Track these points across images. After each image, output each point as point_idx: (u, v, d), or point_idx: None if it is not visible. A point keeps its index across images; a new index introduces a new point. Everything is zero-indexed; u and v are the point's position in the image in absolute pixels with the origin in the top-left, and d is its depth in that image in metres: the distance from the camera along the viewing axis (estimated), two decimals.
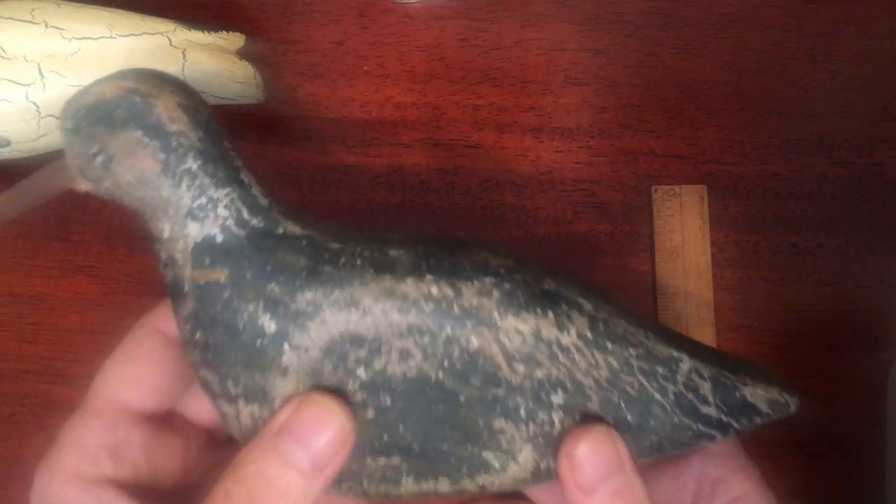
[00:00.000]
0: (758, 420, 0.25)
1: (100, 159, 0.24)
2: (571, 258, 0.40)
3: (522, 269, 0.24)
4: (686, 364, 0.24)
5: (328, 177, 0.41)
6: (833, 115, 0.41)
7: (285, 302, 0.23)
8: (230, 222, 0.24)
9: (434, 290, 0.23)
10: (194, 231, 0.24)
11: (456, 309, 0.23)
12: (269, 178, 0.41)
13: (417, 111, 0.42)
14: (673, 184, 0.40)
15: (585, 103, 0.42)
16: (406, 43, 0.43)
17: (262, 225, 0.24)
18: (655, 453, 0.25)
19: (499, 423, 0.24)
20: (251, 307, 0.23)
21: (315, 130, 0.42)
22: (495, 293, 0.23)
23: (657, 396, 0.24)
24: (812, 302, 0.39)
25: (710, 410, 0.25)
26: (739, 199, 0.40)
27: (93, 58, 0.37)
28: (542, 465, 0.24)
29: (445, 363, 0.23)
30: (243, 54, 0.39)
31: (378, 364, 0.23)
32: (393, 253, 0.24)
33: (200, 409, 0.28)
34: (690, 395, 0.24)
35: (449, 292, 0.23)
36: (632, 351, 0.24)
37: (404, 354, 0.23)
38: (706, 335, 0.39)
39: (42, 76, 0.36)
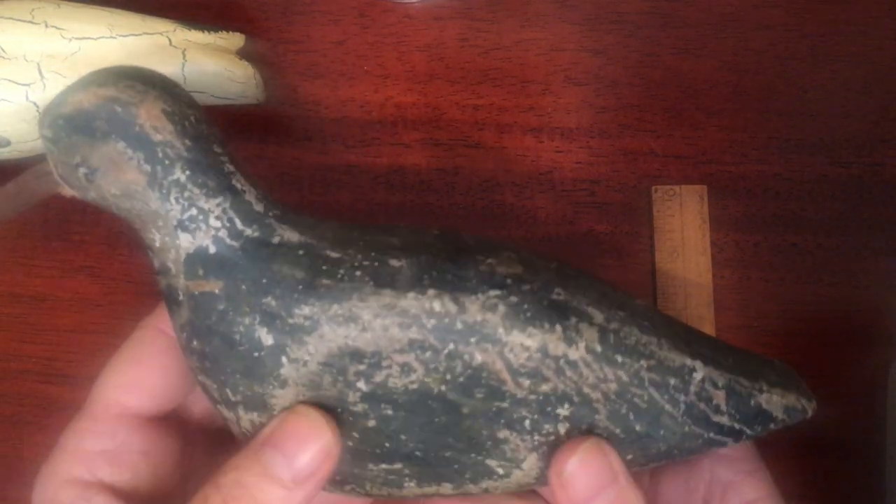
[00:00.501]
0: (772, 426, 0.25)
1: (82, 171, 0.22)
2: (571, 258, 0.40)
3: (531, 277, 0.23)
4: (699, 373, 0.24)
5: (328, 177, 0.41)
6: (833, 115, 0.41)
7: (282, 316, 0.22)
8: (223, 233, 0.23)
9: (437, 305, 0.22)
10: (186, 242, 0.23)
11: (459, 325, 0.22)
12: (269, 178, 0.41)
13: (417, 111, 0.42)
14: (673, 184, 0.40)
15: (585, 103, 0.42)
16: (406, 43, 0.43)
17: (256, 234, 0.23)
18: (664, 459, 0.25)
19: (503, 433, 0.24)
20: (247, 320, 0.23)
21: (315, 130, 0.42)
22: (501, 307, 0.23)
23: (667, 407, 0.24)
24: (812, 302, 0.39)
25: (723, 419, 0.24)
26: (739, 199, 0.40)
27: (93, 58, 0.37)
28: (547, 471, 0.24)
29: (448, 377, 0.23)
30: (243, 54, 0.39)
31: (378, 377, 0.23)
32: (394, 263, 0.23)
33: (200, 408, 0.28)
34: (703, 405, 0.24)
35: (452, 308, 0.22)
36: (643, 363, 0.23)
37: (405, 369, 0.23)
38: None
39: (42, 76, 0.36)
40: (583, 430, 0.23)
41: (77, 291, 0.40)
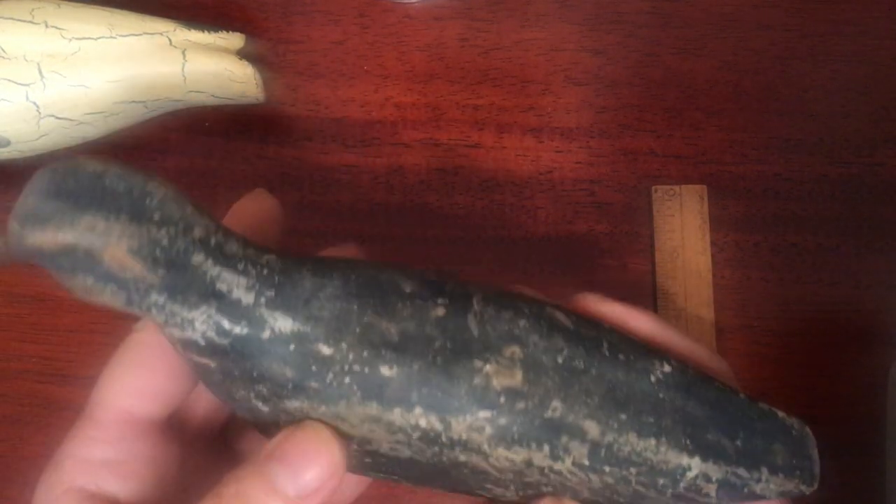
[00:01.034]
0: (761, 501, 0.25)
1: (59, 281, 0.22)
2: (571, 258, 0.40)
3: (529, 391, 0.23)
4: (694, 471, 0.24)
5: (328, 177, 0.41)
6: (833, 115, 0.41)
7: (275, 401, 0.23)
8: (210, 333, 0.22)
9: (422, 422, 0.22)
10: (176, 333, 0.23)
11: (444, 439, 0.23)
12: (269, 177, 0.41)
13: (417, 111, 0.42)
14: (673, 184, 0.40)
15: (585, 103, 0.42)
16: (406, 43, 0.43)
17: (245, 332, 0.22)
18: None
19: (489, 486, 0.24)
20: (243, 393, 0.23)
21: (315, 130, 0.42)
22: (487, 429, 0.22)
23: (652, 494, 0.24)
24: (812, 302, 0.39)
25: (711, 502, 0.24)
26: (739, 199, 0.40)
27: (93, 58, 0.37)
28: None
29: (434, 461, 0.23)
30: (243, 54, 0.39)
31: (368, 447, 0.23)
32: (384, 372, 0.22)
33: (200, 412, 0.28)
34: (691, 495, 0.24)
35: (438, 426, 0.22)
36: (633, 469, 0.24)
37: (394, 448, 0.23)
38: (706, 335, 0.39)
39: (42, 76, 0.36)
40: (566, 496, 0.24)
41: None
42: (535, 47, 0.43)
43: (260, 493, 0.22)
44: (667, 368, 0.25)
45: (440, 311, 0.23)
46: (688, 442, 0.24)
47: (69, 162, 0.21)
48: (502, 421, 0.23)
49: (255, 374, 0.22)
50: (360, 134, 0.42)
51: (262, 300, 0.22)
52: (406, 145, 0.42)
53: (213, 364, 0.23)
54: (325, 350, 0.22)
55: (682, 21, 0.43)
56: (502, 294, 0.25)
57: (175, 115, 0.41)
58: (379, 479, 0.26)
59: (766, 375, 0.39)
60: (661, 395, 0.24)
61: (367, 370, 0.22)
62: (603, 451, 0.23)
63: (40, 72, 0.36)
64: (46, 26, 0.37)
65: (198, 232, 0.22)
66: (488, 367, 0.23)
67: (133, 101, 0.38)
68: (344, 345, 0.22)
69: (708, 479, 0.24)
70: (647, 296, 0.39)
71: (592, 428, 0.23)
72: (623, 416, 0.23)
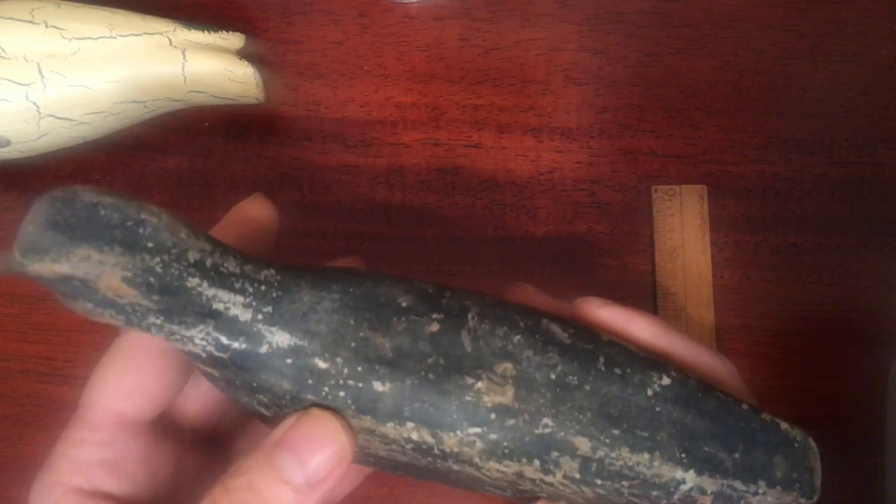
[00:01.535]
0: None
1: (62, 303, 0.22)
2: (571, 258, 0.40)
3: (520, 407, 0.23)
4: (688, 485, 0.24)
5: (328, 177, 0.41)
6: (833, 115, 0.41)
7: (275, 409, 0.23)
8: (210, 348, 0.23)
9: (414, 436, 0.23)
10: (178, 347, 0.23)
11: (436, 451, 0.23)
12: (269, 177, 0.41)
13: (417, 111, 0.42)
14: (673, 184, 0.40)
15: (585, 103, 0.42)
16: (406, 43, 0.43)
17: (243, 347, 0.23)
18: None
19: (488, 489, 0.25)
20: (246, 399, 0.24)
21: (315, 130, 0.42)
22: (478, 444, 0.23)
23: None
24: (812, 302, 0.39)
25: None
26: (739, 199, 0.40)
27: (93, 58, 0.37)
28: None
29: (431, 467, 0.24)
30: (243, 54, 0.39)
31: (367, 451, 0.24)
32: (377, 387, 0.23)
33: (193, 411, 0.28)
34: None
35: (430, 440, 0.23)
36: (625, 483, 0.24)
37: (391, 454, 0.24)
38: (706, 335, 0.39)
39: (42, 76, 0.36)
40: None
41: None
42: (535, 47, 0.43)
43: (268, 483, 0.22)
44: (665, 381, 0.25)
45: (434, 327, 0.23)
46: (683, 455, 0.24)
47: (67, 192, 0.22)
48: (492, 437, 0.23)
49: (254, 385, 0.23)
50: (360, 134, 0.42)
51: (260, 316, 0.23)
52: (406, 145, 0.42)
53: (216, 373, 0.23)
54: (321, 364, 0.23)
55: (682, 21, 0.43)
56: (500, 306, 0.25)
57: (175, 115, 0.41)
58: (384, 472, 0.26)
59: (766, 375, 0.39)
60: (657, 409, 0.24)
61: (361, 385, 0.23)
62: (594, 466, 0.23)
63: (40, 72, 0.36)
64: (46, 26, 0.37)
65: (192, 256, 0.22)
66: (480, 384, 0.23)
67: (133, 101, 0.38)
68: (339, 359, 0.23)
69: (703, 491, 0.24)
70: (647, 296, 0.39)
71: (583, 444, 0.23)
72: (616, 432, 0.24)
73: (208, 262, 0.22)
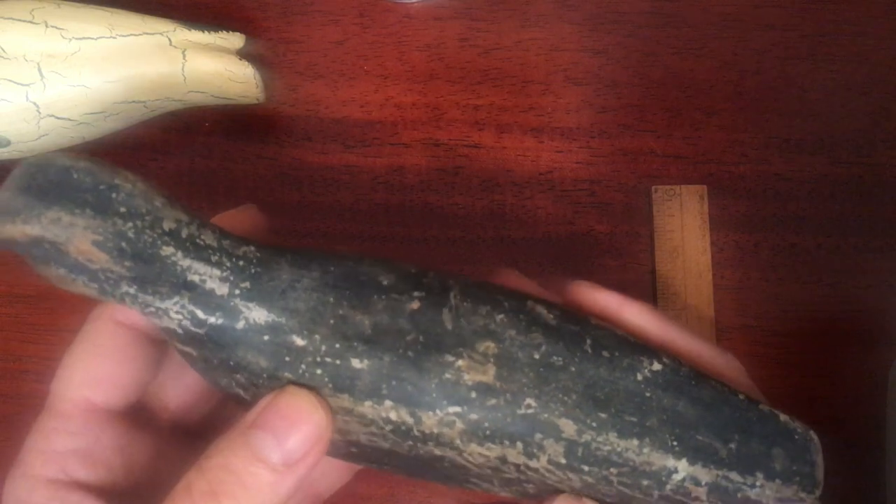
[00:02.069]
0: None
1: (36, 271, 0.22)
2: (571, 258, 0.40)
3: (502, 386, 0.22)
4: (681, 474, 0.23)
5: (328, 177, 0.41)
6: (833, 115, 0.41)
7: (252, 388, 0.23)
8: (186, 322, 0.22)
9: (393, 415, 0.22)
10: (155, 322, 0.23)
11: (416, 432, 0.23)
12: (268, 178, 0.41)
13: (417, 111, 0.42)
14: (673, 184, 0.40)
15: (585, 103, 0.42)
16: (406, 43, 0.43)
17: (220, 321, 0.22)
18: None
19: (474, 481, 0.24)
20: (225, 381, 0.23)
21: (315, 130, 0.42)
22: (458, 424, 0.22)
23: (638, 496, 0.24)
24: (812, 302, 0.39)
25: None
26: (739, 199, 0.40)
27: (93, 58, 0.37)
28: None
29: (413, 454, 0.23)
30: (243, 54, 0.39)
31: (349, 438, 0.24)
32: (355, 364, 0.22)
33: (168, 395, 0.27)
34: (680, 498, 0.24)
35: (409, 420, 0.22)
36: (613, 470, 0.23)
37: (372, 440, 0.23)
38: (706, 335, 0.39)
39: (42, 76, 0.36)
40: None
41: None
42: (535, 47, 0.43)
43: (244, 462, 0.21)
44: (656, 366, 0.24)
45: (415, 305, 0.23)
46: (674, 443, 0.23)
47: (42, 158, 0.22)
48: (473, 416, 0.22)
49: (231, 364, 0.23)
50: (360, 134, 0.42)
51: (237, 291, 0.22)
52: (406, 145, 0.42)
53: (195, 353, 0.23)
54: (299, 341, 0.22)
55: (682, 21, 0.43)
56: (483, 286, 0.24)
57: (175, 115, 0.41)
58: (372, 469, 0.26)
59: (766, 375, 0.39)
60: (647, 394, 0.23)
61: (338, 362, 0.22)
62: (580, 450, 0.23)
63: (40, 72, 0.36)
64: (46, 26, 0.37)
65: (167, 224, 0.22)
66: (460, 362, 0.22)
67: (133, 101, 0.38)
68: (317, 336, 0.22)
69: (697, 482, 0.23)
70: (648, 296, 0.39)
71: (568, 426, 0.23)
72: (603, 415, 0.23)
73: (184, 233, 0.22)
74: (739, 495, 0.24)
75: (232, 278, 0.22)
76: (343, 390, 0.22)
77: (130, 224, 0.21)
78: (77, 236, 0.21)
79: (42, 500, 0.23)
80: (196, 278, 0.22)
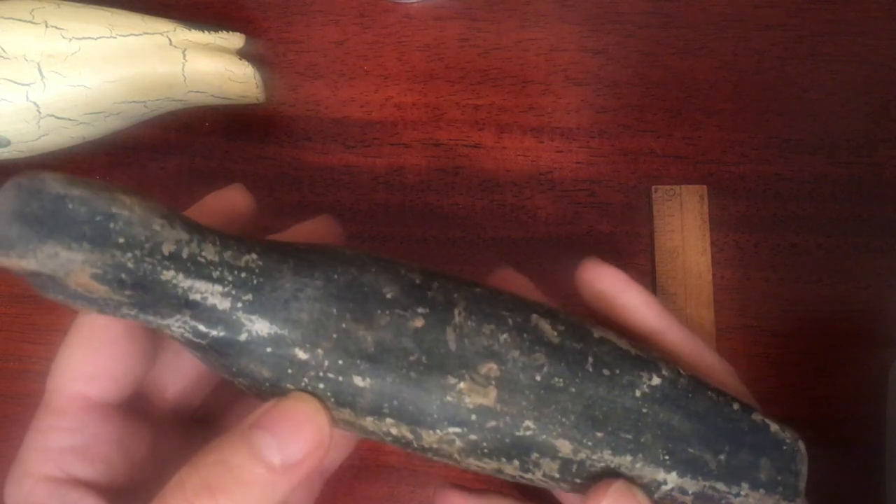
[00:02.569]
0: None
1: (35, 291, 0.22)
2: (571, 258, 0.40)
3: (502, 409, 0.23)
4: (669, 485, 0.24)
5: (328, 177, 0.41)
6: (833, 115, 0.41)
7: (255, 390, 0.23)
8: (188, 335, 0.22)
9: (393, 430, 0.23)
10: (157, 331, 0.23)
11: (416, 445, 0.23)
12: (268, 178, 0.41)
13: (417, 111, 0.42)
14: (673, 184, 0.40)
15: (585, 103, 0.42)
16: (406, 43, 0.43)
17: (222, 334, 0.22)
18: None
19: (474, 471, 0.25)
20: (228, 378, 0.23)
21: (315, 130, 0.42)
22: (457, 443, 0.23)
23: None
24: (812, 302, 0.39)
25: None
26: (739, 199, 0.40)
27: (93, 58, 0.37)
28: None
29: (411, 452, 0.24)
30: (243, 54, 0.39)
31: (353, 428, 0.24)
32: (358, 382, 0.22)
33: (165, 383, 0.27)
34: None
35: (409, 435, 0.23)
36: None
37: (372, 438, 0.24)
38: (706, 335, 0.39)
39: (42, 76, 0.36)
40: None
41: None
42: (535, 47, 0.43)
43: (243, 460, 0.21)
44: (655, 381, 0.24)
45: (419, 322, 0.23)
46: (666, 457, 0.24)
47: (34, 180, 0.21)
48: (472, 437, 0.23)
49: (234, 370, 0.23)
50: (360, 134, 0.42)
51: (239, 304, 0.22)
52: (406, 145, 0.42)
53: (197, 354, 0.23)
54: (301, 355, 0.22)
55: (682, 21, 0.43)
56: (489, 300, 0.24)
57: (175, 115, 0.41)
58: (371, 469, 0.26)
59: (766, 375, 0.39)
60: (644, 410, 0.24)
61: (341, 378, 0.22)
62: (574, 467, 0.23)
63: (40, 72, 0.36)
64: (46, 26, 0.37)
65: (167, 248, 0.21)
66: (462, 385, 0.23)
67: (133, 101, 0.38)
68: (320, 351, 0.22)
69: (684, 491, 0.24)
70: None
71: (565, 446, 0.23)
72: (599, 434, 0.23)
73: (184, 253, 0.22)
74: (723, 503, 0.24)
75: (234, 292, 0.22)
76: (345, 405, 0.22)
77: (129, 254, 0.21)
78: (75, 271, 0.21)
79: (41, 499, 0.23)
80: (198, 297, 0.22)
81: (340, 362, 0.22)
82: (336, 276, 0.23)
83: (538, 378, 0.23)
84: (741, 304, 0.39)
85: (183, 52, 0.38)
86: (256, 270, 0.22)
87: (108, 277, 0.21)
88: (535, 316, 0.24)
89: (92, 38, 0.37)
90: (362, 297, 0.23)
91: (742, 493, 0.24)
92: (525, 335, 0.24)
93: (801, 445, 0.26)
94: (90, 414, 0.24)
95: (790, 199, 0.40)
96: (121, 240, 0.21)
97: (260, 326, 0.22)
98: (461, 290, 0.24)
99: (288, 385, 0.22)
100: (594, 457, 0.23)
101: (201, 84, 0.38)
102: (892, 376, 0.35)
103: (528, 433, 0.23)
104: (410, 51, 0.43)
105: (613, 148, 0.41)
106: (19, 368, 0.39)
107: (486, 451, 0.23)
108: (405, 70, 0.42)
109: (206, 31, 0.38)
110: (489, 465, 0.23)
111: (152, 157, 0.42)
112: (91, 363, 0.24)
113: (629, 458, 0.23)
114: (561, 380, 0.23)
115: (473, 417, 0.23)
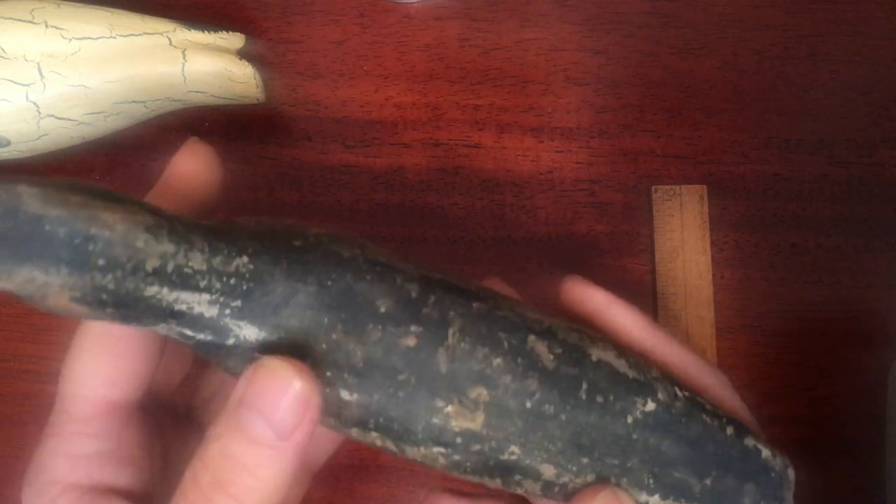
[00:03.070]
0: None
1: None
2: (571, 258, 0.40)
3: (489, 434, 0.22)
4: None
5: (328, 177, 0.41)
6: (833, 115, 0.41)
7: None
8: (175, 336, 0.22)
9: (378, 443, 0.23)
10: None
11: (400, 457, 0.23)
12: (269, 177, 0.41)
13: (417, 111, 0.42)
14: (673, 184, 0.40)
15: (585, 103, 0.42)
16: (406, 43, 0.43)
17: (209, 338, 0.22)
18: None
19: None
20: (217, 366, 0.23)
21: (315, 130, 0.42)
22: (441, 461, 0.23)
23: None
24: (812, 302, 0.39)
25: None
26: (739, 199, 0.40)
27: (93, 58, 0.37)
28: None
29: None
30: (243, 54, 0.39)
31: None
32: (344, 396, 0.22)
33: (165, 382, 0.27)
34: None
35: (393, 449, 0.23)
36: None
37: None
38: (706, 335, 0.39)
39: (42, 76, 0.36)
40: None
41: None
42: (535, 47, 0.43)
43: (240, 446, 0.21)
44: (650, 406, 0.24)
45: (411, 341, 0.22)
46: (651, 481, 0.24)
47: (9, 194, 0.20)
48: (456, 458, 0.23)
49: (222, 366, 0.23)
50: (360, 134, 0.42)
51: (227, 311, 0.22)
52: (406, 145, 0.42)
53: (188, 346, 0.23)
54: None
55: (682, 21, 0.43)
56: (486, 320, 0.23)
57: (175, 115, 0.41)
58: (371, 469, 0.27)
59: (766, 375, 0.39)
60: (634, 437, 0.24)
61: (328, 390, 0.22)
62: (556, 488, 0.23)
63: (40, 72, 0.36)
64: (46, 26, 0.37)
65: (151, 264, 0.21)
66: (450, 408, 0.22)
67: (133, 101, 0.38)
68: (308, 361, 0.22)
69: None
70: (647, 296, 0.39)
71: (548, 470, 0.23)
72: (585, 460, 0.23)
73: (169, 267, 0.21)
74: None
75: (222, 300, 0.22)
76: (330, 415, 0.22)
77: (110, 276, 0.20)
78: (53, 294, 0.20)
79: None
80: (183, 307, 0.21)
81: (328, 374, 0.22)
82: (330, 283, 0.22)
83: (528, 405, 0.23)
84: (741, 304, 0.39)
85: (183, 53, 0.38)
86: (247, 275, 0.22)
87: (87, 300, 0.20)
88: (532, 337, 0.23)
89: (92, 39, 0.37)
90: (355, 308, 0.22)
91: None
92: (519, 360, 0.23)
93: (790, 473, 0.26)
94: (114, 418, 0.24)
95: (790, 199, 0.40)
96: (101, 262, 0.20)
97: (248, 332, 0.22)
98: (458, 307, 0.23)
99: None
100: (577, 480, 0.23)
101: (201, 84, 0.38)
102: (892, 376, 0.35)
103: (513, 458, 0.23)
104: (410, 51, 0.43)
105: (613, 148, 0.41)
106: (19, 368, 0.39)
107: (468, 469, 0.23)
108: (405, 70, 0.42)
109: (206, 32, 0.38)
110: (473, 479, 0.23)
111: (152, 157, 0.42)
112: (111, 366, 0.24)
113: (612, 480, 0.24)
114: (551, 407, 0.23)
115: (459, 441, 0.22)
